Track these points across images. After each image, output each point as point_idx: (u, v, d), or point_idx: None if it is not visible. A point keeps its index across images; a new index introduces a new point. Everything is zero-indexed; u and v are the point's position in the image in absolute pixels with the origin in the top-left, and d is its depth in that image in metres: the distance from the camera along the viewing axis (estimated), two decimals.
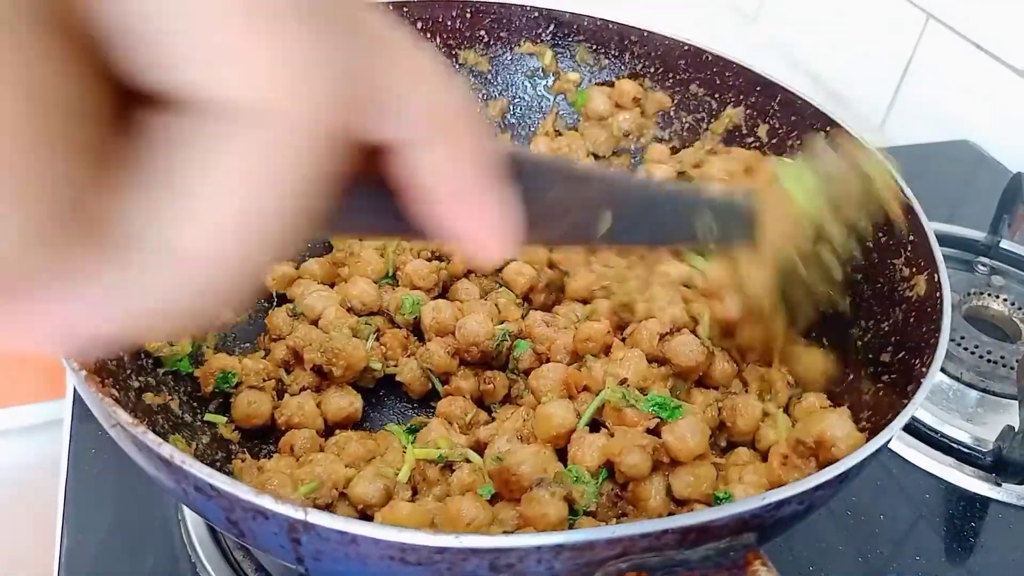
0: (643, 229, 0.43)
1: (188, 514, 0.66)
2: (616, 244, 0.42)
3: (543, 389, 0.64)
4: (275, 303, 0.74)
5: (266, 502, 0.39)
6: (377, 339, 0.71)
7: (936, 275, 0.60)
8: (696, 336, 0.64)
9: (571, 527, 0.53)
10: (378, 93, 0.23)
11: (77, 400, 0.74)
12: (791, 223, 0.56)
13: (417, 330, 0.72)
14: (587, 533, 0.39)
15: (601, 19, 0.86)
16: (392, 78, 0.23)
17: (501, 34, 0.88)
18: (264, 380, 0.66)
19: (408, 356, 0.70)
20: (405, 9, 0.84)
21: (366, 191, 0.26)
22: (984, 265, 0.94)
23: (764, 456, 0.61)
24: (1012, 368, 0.82)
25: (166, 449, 0.42)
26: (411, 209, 0.26)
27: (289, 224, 0.21)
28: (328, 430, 0.65)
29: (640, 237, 0.44)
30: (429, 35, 0.86)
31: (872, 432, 0.53)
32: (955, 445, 0.76)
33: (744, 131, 0.82)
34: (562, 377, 0.64)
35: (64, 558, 0.63)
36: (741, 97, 0.81)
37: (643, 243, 0.50)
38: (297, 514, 0.39)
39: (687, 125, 0.85)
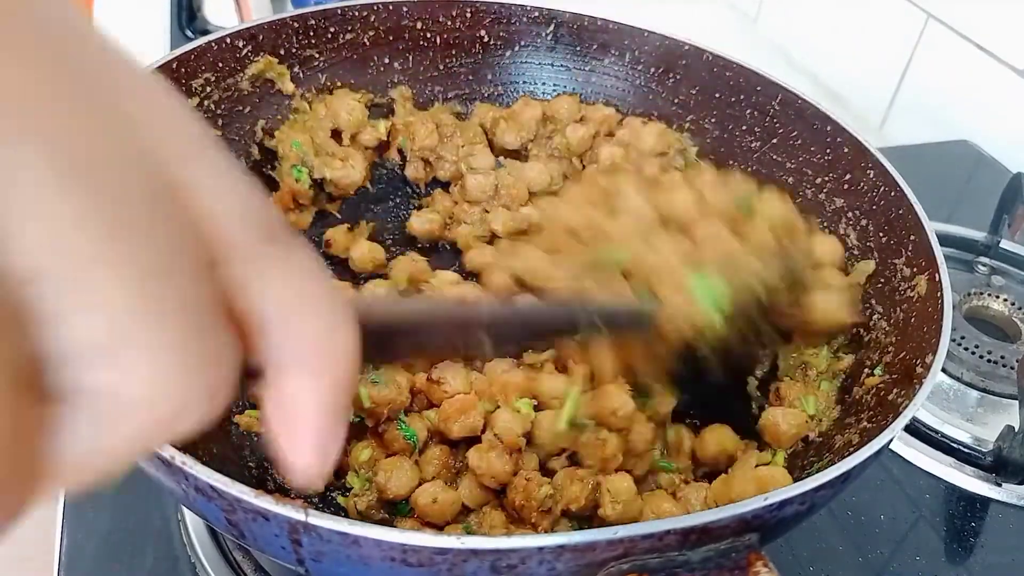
0: (525, 340, 0.48)
1: (188, 514, 0.65)
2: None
3: None
4: None
5: (267, 503, 0.39)
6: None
7: (937, 275, 0.60)
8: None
9: None
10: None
11: None
12: (693, 329, 0.55)
13: None
14: (589, 534, 0.39)
15: (602, 19, 0.86)
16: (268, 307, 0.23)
17: (501, 34, 0.87)
18: None
19: None
20: (405, 9, 0.84)
21: None
22: (984, 265, 0.94)
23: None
24: (1012, 368, 0.82)
25: (167, 450, 0.41)
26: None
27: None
28: None
29: (523, 345, 0.51)
30: (429, 35, 0.86)
31: (873, 432, 0.53)
32: (955, 445, 0.76)
33: (744, 129, 0.82)
34: None
35: (64, 558, 0.63)
36: (741, 97, 0.81)
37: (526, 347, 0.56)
38: (298, 515, 0.39)
39: (686, 125, 0.85)
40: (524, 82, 0.89)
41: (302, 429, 0.24)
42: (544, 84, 0.89)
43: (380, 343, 0.31)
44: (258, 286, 0.23)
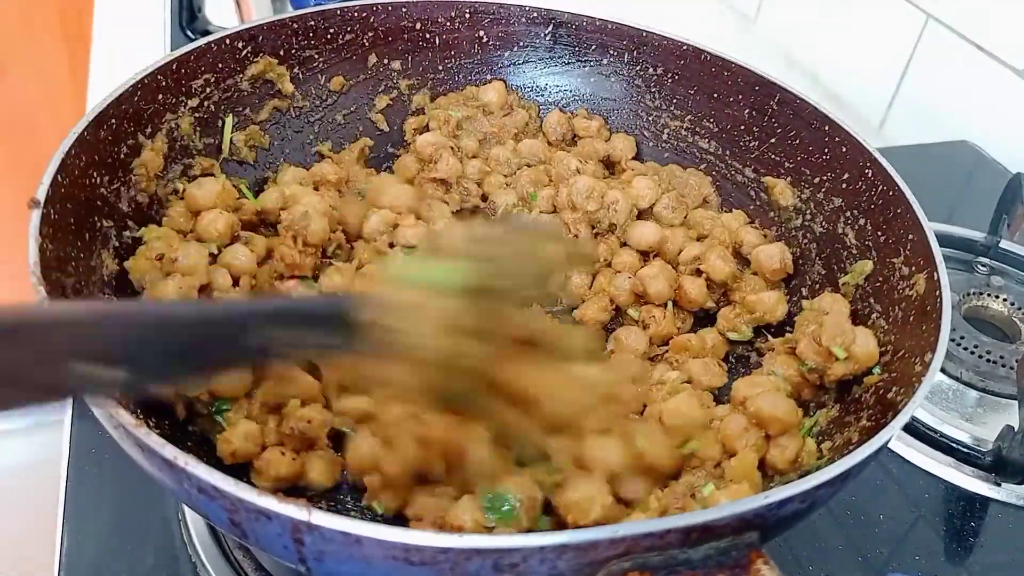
0: (178, 361, 0.38)
1: (188, 513, 0.65)
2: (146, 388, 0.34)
3: None
4: None
5: (269, 503, 0.39)
6: None
7: (935, 273, 0.60)
8: None
9: None
10: None
11: (77, 400, 0.74)
12: (430, 320, 0.47)
13: None
14: (590, 533, 0.39)
15: (601, 19, 0.86)
16: None
17: (500, 34, 0.88)
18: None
19: None
20: (404, 10, 0.84)
21: None
22: (984, 265, 0.94)
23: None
24: (1012, 368, 0.82)
25: (169, 451, 0.41)
26: None
27: None
28: None
29: (178, 370, 0.39)
30: (428, 36, 0.86)
31: (872, 431, 0.53)
32: (955, 445, 0.76)
33: (742, 128, 0.82)
34: None
35: (64, 558, 0.63)
36: (740, 97, 0.81)
37: (186, 375, 0.42)
38: (301, 515, 0.39)
39: (685, 125, 0.85)
40: (523, 84, 0.89)
41: None
42: (543, 85, 0.89)
43: None
44: None
